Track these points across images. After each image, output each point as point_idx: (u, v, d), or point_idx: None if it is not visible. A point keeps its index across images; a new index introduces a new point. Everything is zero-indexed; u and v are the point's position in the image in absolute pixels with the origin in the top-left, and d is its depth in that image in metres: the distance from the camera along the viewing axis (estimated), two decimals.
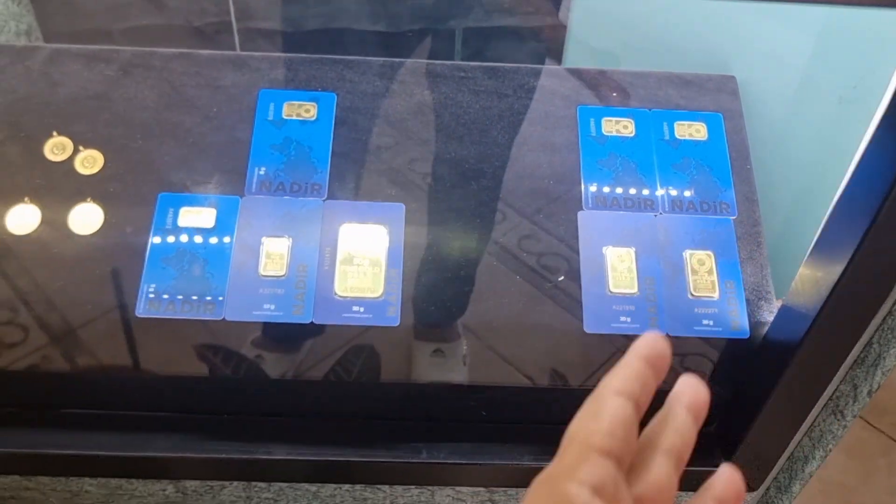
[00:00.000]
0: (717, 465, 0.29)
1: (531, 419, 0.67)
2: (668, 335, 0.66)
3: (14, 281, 0.65)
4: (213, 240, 0.66)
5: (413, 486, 0.68)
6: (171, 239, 0.66)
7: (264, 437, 0.65)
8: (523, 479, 0.66)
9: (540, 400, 0.66)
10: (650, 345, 0.28)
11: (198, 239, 0.66)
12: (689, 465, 0.29)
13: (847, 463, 1.21)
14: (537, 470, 0.27)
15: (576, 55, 0.95)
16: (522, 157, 0.72)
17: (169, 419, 0.67)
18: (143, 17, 1.02)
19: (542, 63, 0.94)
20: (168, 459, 0.64)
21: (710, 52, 0.85)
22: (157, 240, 0.66)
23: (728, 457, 0.65)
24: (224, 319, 0.64)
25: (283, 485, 0.68)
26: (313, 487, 0.70)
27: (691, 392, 0.29)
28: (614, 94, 0.77)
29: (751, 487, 0.70)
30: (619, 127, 0.75)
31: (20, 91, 0.72)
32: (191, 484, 0.68)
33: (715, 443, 0.67)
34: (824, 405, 0.66)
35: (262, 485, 0.68)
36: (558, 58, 0.95)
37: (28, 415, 0.68)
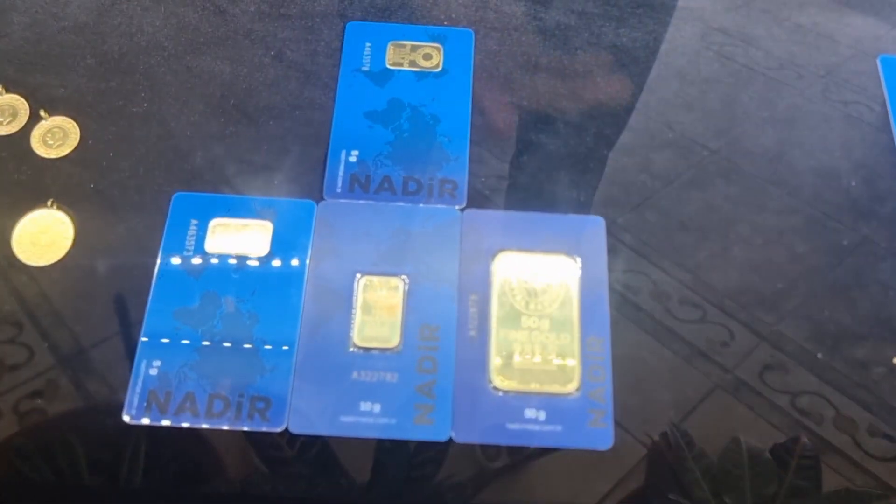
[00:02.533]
0: None
1: None
2: None
3: None
4: (269, 276, 0.37)
5: None
6: (193, 273, 0.37)
7: None
8: None
9: None
10: None
11: (240, 275, 0.37)
12: None
13: None
14: None
15: None
16: (796, 138, 0.42)
17: None
18: None
19: None
20: None
21: None
22: (168, 275, 0.36)
23: None
24: (287, 431, 0.34)
25: None
26: None
27: None
28: None
29: None
30: None
31: None
32: None
33: None
34: None
35: None
36: None
37: None
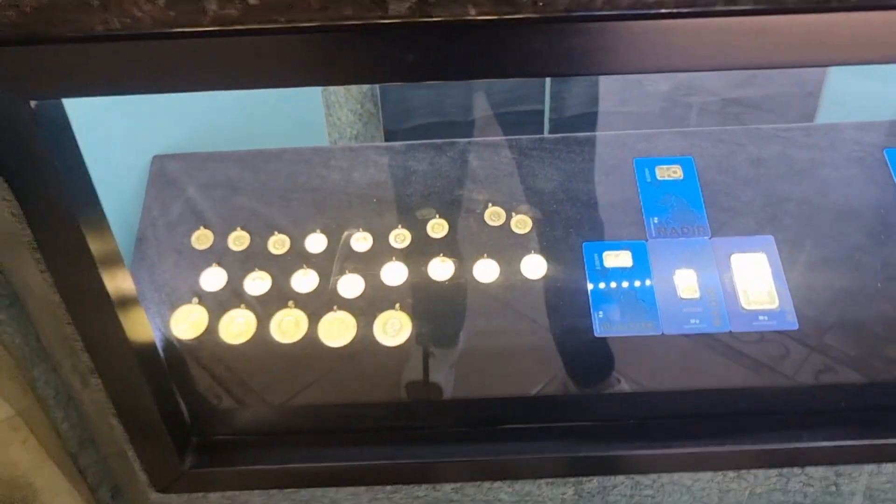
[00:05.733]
0: None
1: None
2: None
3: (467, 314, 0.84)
4: (636, 275, 0.86)
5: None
6: (603, 276, 0.86)
7: (681, 436, 0.82)
8: None
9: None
10: None
11: (623, 275, 0.86)
12: None
13: None
14: None
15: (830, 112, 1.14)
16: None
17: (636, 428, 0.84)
18: (461, 113, 1.26)
19: None
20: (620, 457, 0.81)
21: None
22: (593, 280, 0.86)
23: None
24: (663, 334, 0.82)
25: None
26: (688, 482, 0.86)
27: None
28: None
29: None
30: None
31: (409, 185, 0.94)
32: (589, 486, 0.84)
33: None
34: None
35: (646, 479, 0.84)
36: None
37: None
